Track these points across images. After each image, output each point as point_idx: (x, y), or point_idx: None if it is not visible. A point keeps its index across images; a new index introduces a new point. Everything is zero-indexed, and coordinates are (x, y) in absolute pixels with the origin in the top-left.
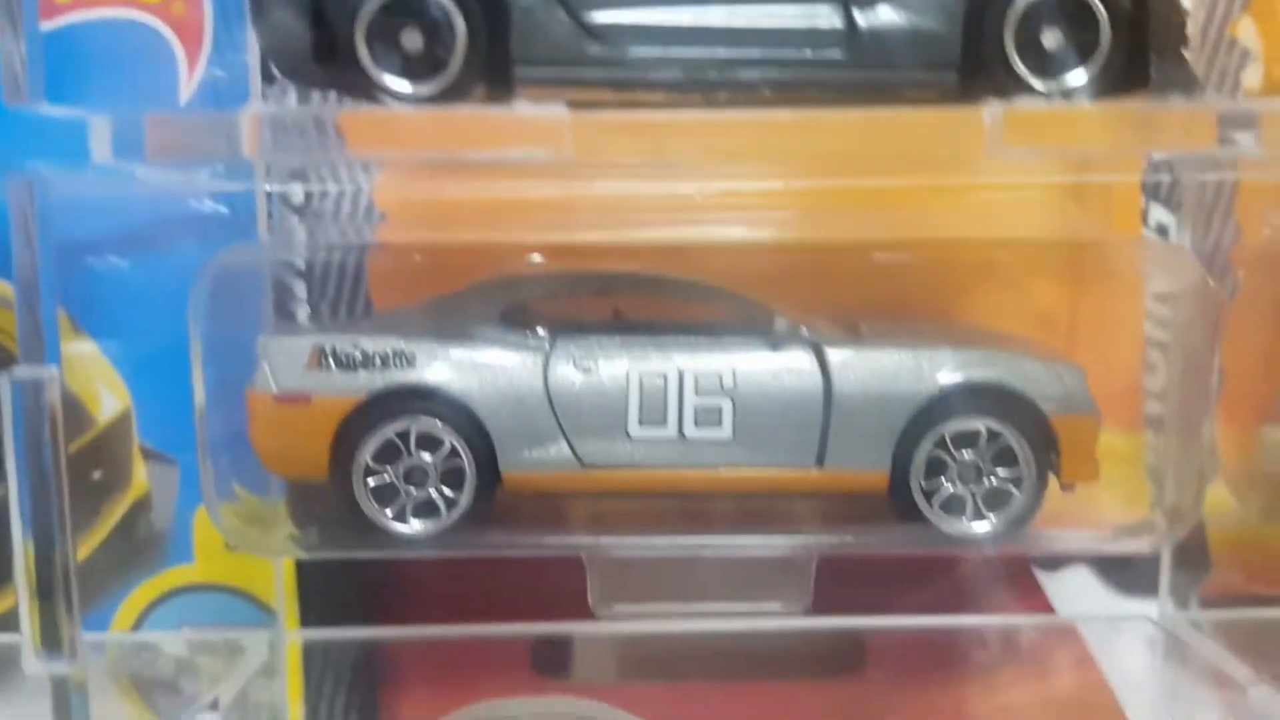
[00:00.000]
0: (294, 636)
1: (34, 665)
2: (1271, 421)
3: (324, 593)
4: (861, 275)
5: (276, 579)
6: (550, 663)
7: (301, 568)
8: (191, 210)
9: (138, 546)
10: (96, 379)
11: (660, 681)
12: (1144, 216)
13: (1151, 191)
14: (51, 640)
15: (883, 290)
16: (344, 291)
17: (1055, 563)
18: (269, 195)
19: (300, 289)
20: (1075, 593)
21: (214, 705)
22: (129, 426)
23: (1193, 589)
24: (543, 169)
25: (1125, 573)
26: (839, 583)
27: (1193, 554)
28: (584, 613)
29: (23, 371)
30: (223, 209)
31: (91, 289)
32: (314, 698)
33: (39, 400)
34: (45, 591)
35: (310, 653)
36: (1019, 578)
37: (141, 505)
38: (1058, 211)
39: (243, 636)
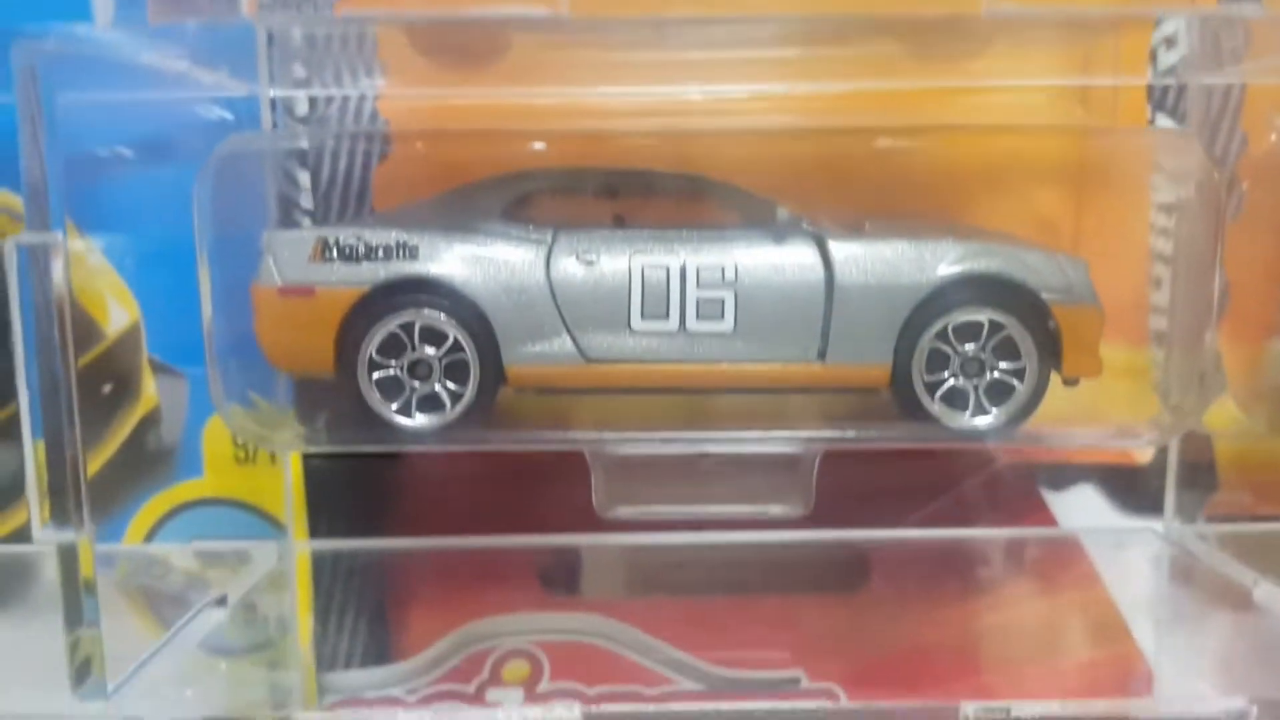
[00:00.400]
0: (302, 548)
1: (43, 534)
2: (1278, 335)
3: (333, 506)
4: (865, 180)
5: (286, 492)
6: (557, 578)
7: (310, 481)
8: (197, 117)
9: (147, 460)
10: (105, 291)
11: (666, 596)
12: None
13: (1158, 101)
14: (60, 509)
15: (887, 197)
16: (349, 205)
17: (1062, 482)
18: (273, 104)
19: (306, 201)
20: (1082, 511)
21: (221, 601)
22: (138, 339)
23: (1199, 508)
24: (543, 59)
25: (1132, 492)
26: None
27: (1200, 473)
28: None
29: (29, 237)
30: (228, 115)
31: (98, 198)
32: (323, 609)
33: (45, 265)
34: (53, 452)
35: (319, 565)
36: (1025, 496)
37: (151, 419)
38: (1064, 117)
39: (252, 548)
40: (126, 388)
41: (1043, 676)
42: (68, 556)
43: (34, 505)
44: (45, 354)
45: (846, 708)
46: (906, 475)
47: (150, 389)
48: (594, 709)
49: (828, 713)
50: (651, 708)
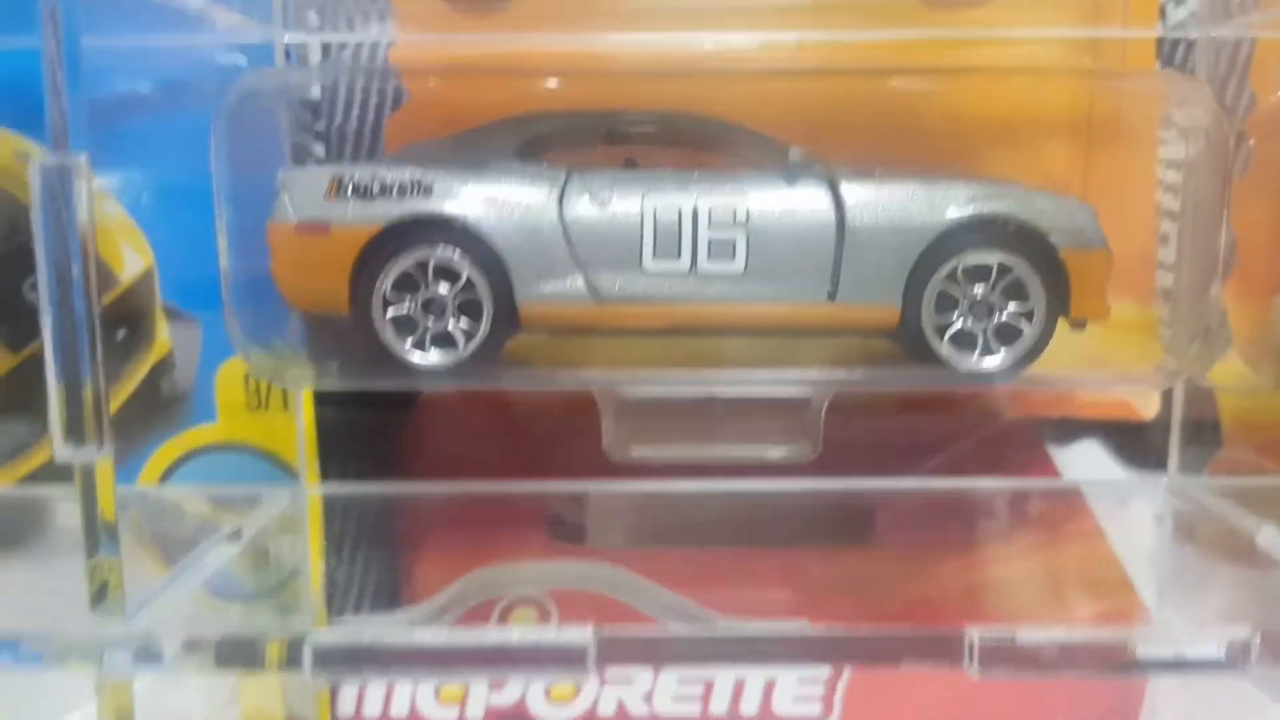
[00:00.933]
0: (314, 492)
1: (63, 452)
2: None
3: (345, 452)
4: (873, 133)
5: (298, 437)
6: (565, 528)
7: (322, 427)
8: (213, 63)
9: (160, 406)
10: (119, 237)
11: (673, 546)
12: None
13: (1166, 58)
14: (77, 428)
15: (895, 152)
16: (361, 155)
17: (1067, 437)
18: (287, 52)
19: (319, 150)
20: (1086, 466)
21: (236, 535)
22: (152, 284)
23: (1203, 465)
24: None
25: (1136, 447)
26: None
27: (1204, 429)
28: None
29: (51, 159)
30: (242, 61)
31: (112, 144)
32: (333, 555)
33: (66, 189)
34: (69, 372)
35: (330, 510)
36: (1031, 450)
37: (164, 365)
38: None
39: (263, 493)
40: (140, 333)
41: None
42: (88, 476)
43: (56, 429)
44: (61, 273)
45: (855, 636)
46: (911, 431)
47: (163, 334)
48: (605, 631)
49: (839, 641)
50: (662, 634)
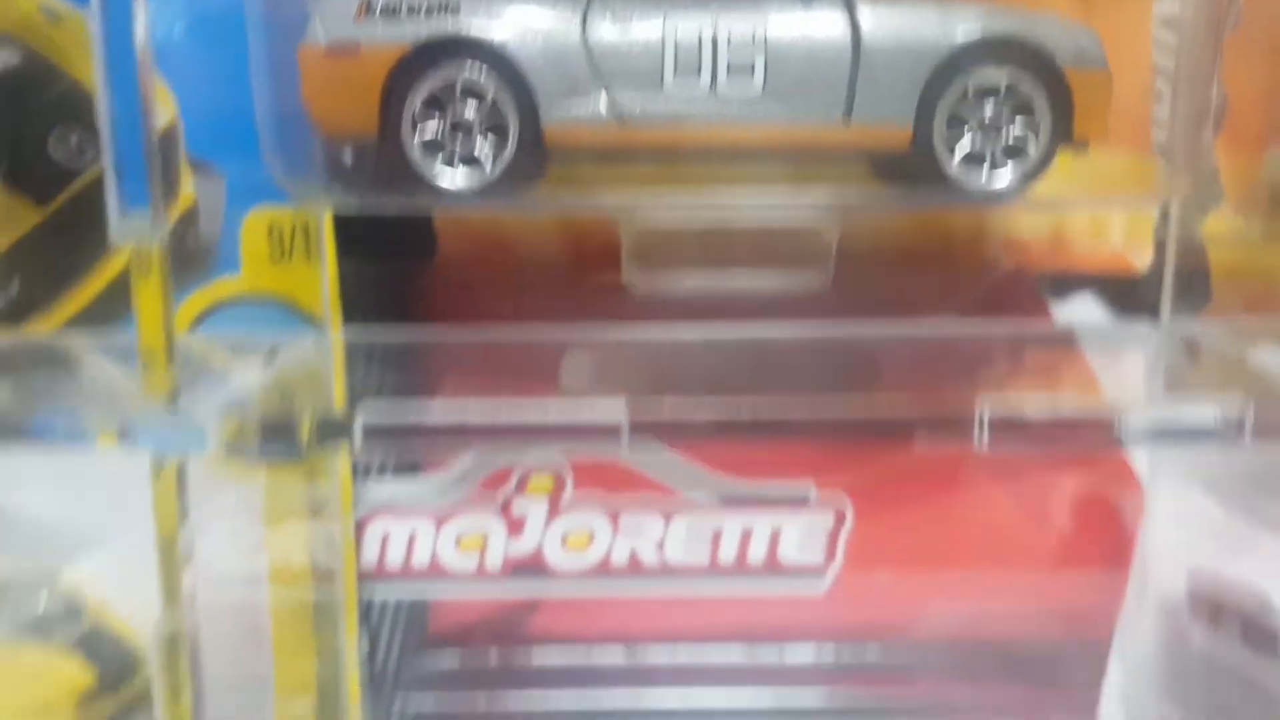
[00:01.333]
0: (336, 339)
1: (119, 230)
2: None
3: (368, 301)
4: None
5: (322, 285)
6: (577, 381)
7: (345, 277)
8: None
9: (185, 259)
10: None
11: (680, 394)
12: None
13: None
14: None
15: None
16: None
17: (1064, 290)
18: None
19: None
20: (1083, 318)
21: (272, 356)
22: (177, 137)
23: (1194, 317)
24: None
25: (1130, 299)
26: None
27: (1195, 281)
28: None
29: None
30: None
31: None
32: (354, 400)
33: None
34: (124, 144)
35: (352, 356)
36: (1028, 303)
37: (189, 217)
38: None
39: (286, 342)
40: (164, 186)
41: None
42: (142, 257)
43: (112, 204)
44: (117, 47)
45: (870, 415)
46: (913, 286)
47: (188, 187)
48: (638, 409)
49: (856, 421)
50: (690, 415)
